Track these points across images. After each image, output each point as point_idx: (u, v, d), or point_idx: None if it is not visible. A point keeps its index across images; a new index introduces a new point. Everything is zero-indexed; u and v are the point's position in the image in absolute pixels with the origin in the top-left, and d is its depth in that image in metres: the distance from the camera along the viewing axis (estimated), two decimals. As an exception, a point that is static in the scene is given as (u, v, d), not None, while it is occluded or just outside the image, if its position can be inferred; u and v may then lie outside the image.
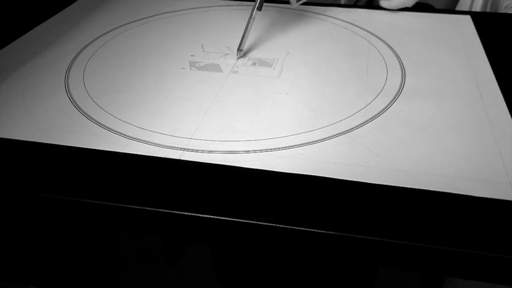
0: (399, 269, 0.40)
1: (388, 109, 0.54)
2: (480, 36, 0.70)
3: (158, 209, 0.42)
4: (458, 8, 0.95)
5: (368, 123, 0.52)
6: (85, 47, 0.70)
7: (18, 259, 1.13)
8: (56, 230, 1.17)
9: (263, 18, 0.77)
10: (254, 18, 0.64)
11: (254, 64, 0.65)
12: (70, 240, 1.21)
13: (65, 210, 0.45)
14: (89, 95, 0.58)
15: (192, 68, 0.64)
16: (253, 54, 0.67)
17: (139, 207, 0.42)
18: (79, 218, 0.46)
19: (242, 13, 0.79)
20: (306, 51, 0.67)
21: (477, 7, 1.26)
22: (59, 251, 1.19)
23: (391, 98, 0.56)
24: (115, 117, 0.54)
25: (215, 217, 0.41)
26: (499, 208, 0.41)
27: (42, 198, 0.44)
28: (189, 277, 1.21)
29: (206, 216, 0.41)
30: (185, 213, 0.42)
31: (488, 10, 1.27)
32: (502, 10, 1.23)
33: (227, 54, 0.67)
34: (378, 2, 0.71)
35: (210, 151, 0.48)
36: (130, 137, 0.50)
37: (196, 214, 0.41)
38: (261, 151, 0.48)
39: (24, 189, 0.44)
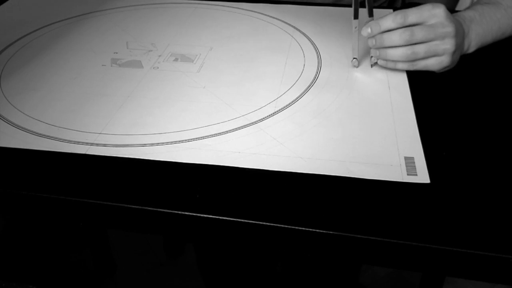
0: (401, 269, 0.39)
1: (299, 100, 0.56)
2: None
3: (146, 208, 0.42)
4: (458, 8, 0.94)
5: (277, 114, 0.53)
6: (7, 47, 0.69)
7: (18, 259, 1.11)
8: (56, 230, 1.16)
9: (190, 14, 0.78)
10: (356, 27, 0.60)
11: (176, 59, 0.65)
12: (69, 240, 1.20)
13: (66, 210, 0.44)
14: (3, 94, 0.57)
15: (113, 65, 0.64)
16: (176, 50, 0.68)
17: (138, 207, 0.42)
18: (79, 218, 0.45)
19: (169, 10, 0.80)
20: (229, 46, 0.69)
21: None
22: (59, 251, 1.18)
23: (304, 89, 0.58)
24: (25, 114, 0.53)
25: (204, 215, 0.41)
26: (389, 189, 0.43)
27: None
28: (190, 276, 1.20)
29: (197, 215, 0.41)
30: (181, 213, 0.42)
31: None
32: None
33: (151, 50, 0.68)
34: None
35: (117, 145, 0.49)
36: (38, 133, 0.50)
37: (195, 214, 0.42)
38: (168, 143, 0.49)
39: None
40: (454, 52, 0.55)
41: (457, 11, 0.65)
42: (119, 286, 1.21)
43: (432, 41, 0.54)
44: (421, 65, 0.56)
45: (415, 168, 0.45)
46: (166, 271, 1.25)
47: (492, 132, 0.50)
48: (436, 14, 0.54)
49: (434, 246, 0.38)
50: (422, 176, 0.44)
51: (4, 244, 1.13)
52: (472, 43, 0.59)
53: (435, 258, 0.38)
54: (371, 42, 0.58)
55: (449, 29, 0.54)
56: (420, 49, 0.55)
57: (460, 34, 0.56)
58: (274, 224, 0.40)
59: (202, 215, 0.41)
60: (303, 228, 0.40)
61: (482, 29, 0.58)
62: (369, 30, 0.57)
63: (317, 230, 0.39)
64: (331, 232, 0.39)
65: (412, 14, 0.54)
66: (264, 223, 0.40)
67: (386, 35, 0.56)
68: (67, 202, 0.43)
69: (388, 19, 0.55)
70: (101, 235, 1.24)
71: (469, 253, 0.37)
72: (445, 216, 0.40)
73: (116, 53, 0.67)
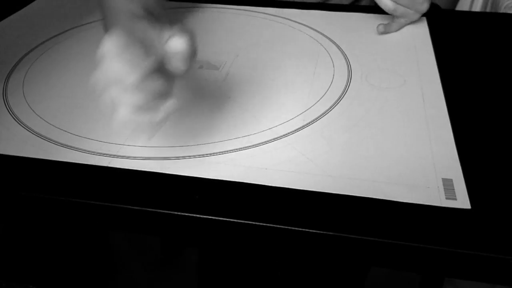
0: (399, 270, 0.40)
1: (328, 114, 0.53)
2: (479, 36, 0.69)
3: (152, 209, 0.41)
4: (458, 8, 0.93)
5: (306, 128, 0.51)
6: (31, 50, 0.68)
7: (18, 259, 1.11)
8: (55, 230, 1.16)
9: (215, 20, 0.77)
10: None
11: (201, 67, 0.64)
12: (69, 240, 1.21)
13: (65, 210, 0.44)
14: (25, 100, 0.57)
15: (137, 72, 0.63)
16: (201, 57, 0.66)
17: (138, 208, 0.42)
18: (79, 220, 0.45)
19: (192, 15, 0.78)
20: (255, 54, 0.67)
21: (477, 7, 1.25)
22: (59, 251, 1.19)
23: (333, 102, 0.55)
24: (48, 123, 0.52)
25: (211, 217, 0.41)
26: (425, 214, 0.40)
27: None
28: (190, 276, 1.19)
29: (203, 216, 0.41)
30: (183, 214, 0.41)
31: (488, 10, 1.26)
32: (502, 10, 1.22)
33: (175, 57, 0.66)
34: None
35: (141, 158, 0.47)
36: (60, 143, 0.49)
37: (194, 215, 0.41)
38: (191, 157, 0.47)
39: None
40: None
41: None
42: (119, 286, 1.21)
43: None
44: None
45: (454, 192, 0.42)
46: (166, 271, 1.24)
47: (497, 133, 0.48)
48: None
49: (434, 246, 0.37)
50: (462, 200, 0.41)
51: (4, 244, 1.13)
52: None
53: (435, 259, 0.37)
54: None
55: None
56: None
57: None
58: (275, 225, 0.39)
59: (200, 215, 0.40)
60: (303, 229, 0.39)
61: None
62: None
63: (317, 231, 0.39)
64: (330, 233, 0.38)
65: None
66: (266, 223, 0.39)
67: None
68: (67, 203, 0.42)
69: None
70: (101, 235, 1.24)
71: (469, 253, 0.37)
72: (445, 216, 0.39)
73: (140, 59, 0.66)
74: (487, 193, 0.42)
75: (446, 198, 0.41)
